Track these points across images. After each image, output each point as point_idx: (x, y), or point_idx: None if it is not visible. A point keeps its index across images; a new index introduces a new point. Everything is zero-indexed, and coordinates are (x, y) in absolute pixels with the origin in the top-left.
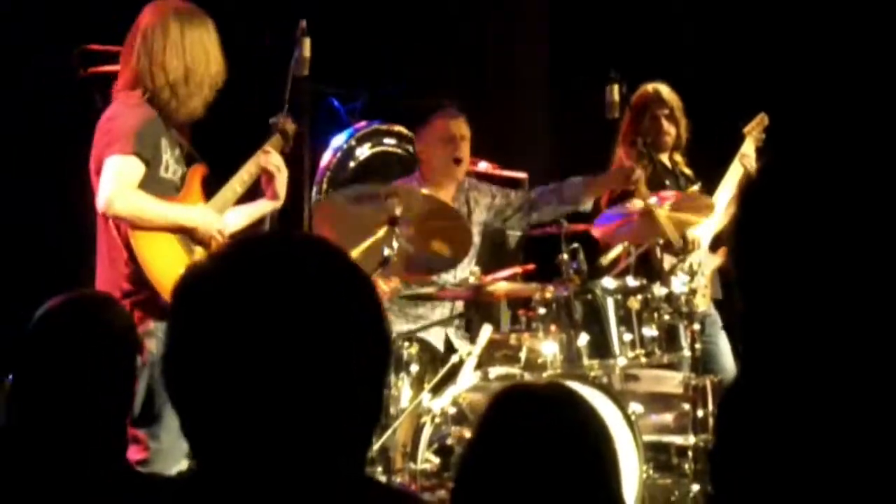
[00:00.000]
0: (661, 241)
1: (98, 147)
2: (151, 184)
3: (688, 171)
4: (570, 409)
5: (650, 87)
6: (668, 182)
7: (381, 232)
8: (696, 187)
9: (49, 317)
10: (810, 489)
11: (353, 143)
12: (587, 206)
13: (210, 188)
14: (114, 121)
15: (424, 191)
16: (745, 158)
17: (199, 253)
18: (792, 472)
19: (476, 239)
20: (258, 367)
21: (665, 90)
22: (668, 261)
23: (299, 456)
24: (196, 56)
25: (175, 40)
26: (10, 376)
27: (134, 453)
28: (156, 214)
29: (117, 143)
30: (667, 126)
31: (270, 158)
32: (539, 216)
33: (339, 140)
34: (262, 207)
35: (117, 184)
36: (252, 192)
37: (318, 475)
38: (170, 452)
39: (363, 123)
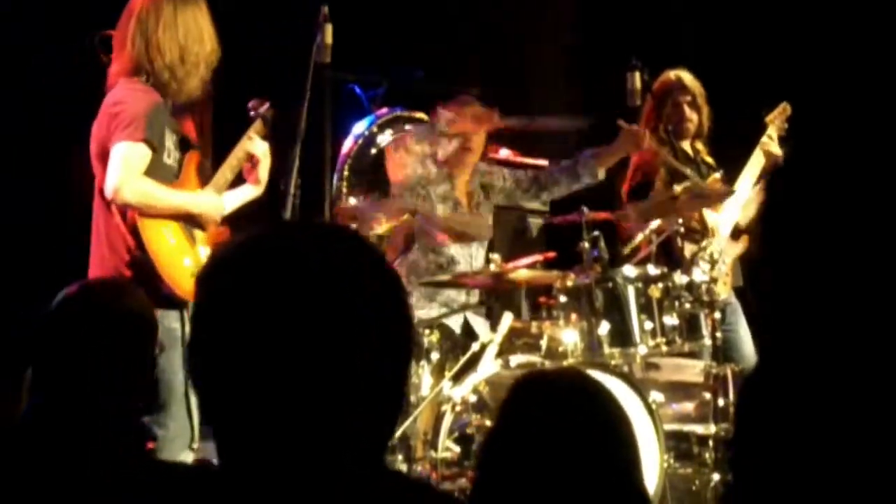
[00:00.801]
0: (682, 230)
1: (103, 131)
2: (155, 170)
3: (709, 159)
4: (588, 396)
5: (672, 73)
6: (689, 170)
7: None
8: (717, 175)
9: (66, 304)
10: (829, 478)
11: (374, 130)
12: (601, 177)
13: (203, 175)
14: (121, 105)
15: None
16: (768, 147)
17: (201, 239)
18: (811, 461)
19: (489, 221)
20: (278, 355)
21: (687, 77)
22: (689, 249)
23: (318, 444)
24: (191, 35)
25: (169, 21)
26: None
27: None
28: (163, 201)
29: (126, 129)
30: (689, 113)
31: (256, 144)
32: (550, 195)
33: (360, 127)
34: (247, 193)
35: (125, 171)
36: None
37: (335, 464)
38: (176, 440)
39: (384, 110)
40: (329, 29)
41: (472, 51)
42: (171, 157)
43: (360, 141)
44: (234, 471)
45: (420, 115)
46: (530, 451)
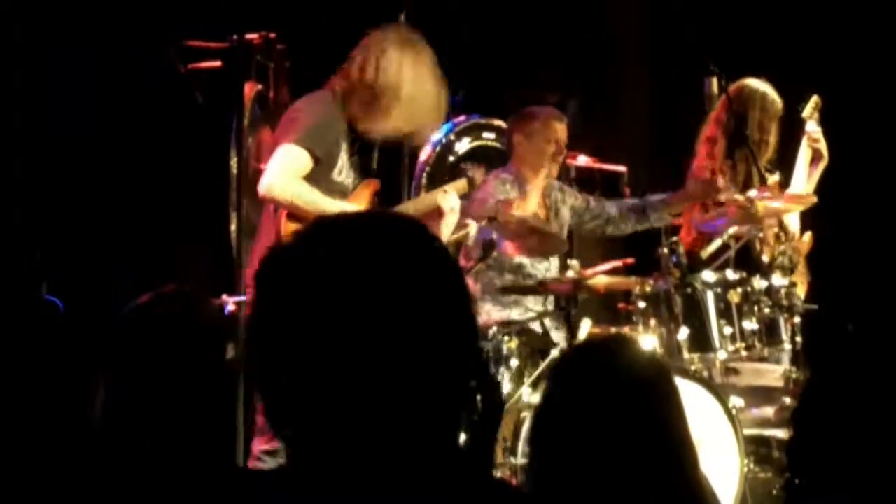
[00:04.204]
0: (760, 234)
1: (277, 135)
2: (321, 182)
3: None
4: (616, 358)
5: (759, 86)
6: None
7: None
8: (775, 177)
9: (138, 313)
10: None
11: (452, 137)
12: (666, 222)
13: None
14: (297, 112)
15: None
16: (816, 144)
17: None
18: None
19: (563, 235)
20: (337, 348)
21: (775, 96)
22: (767, 253)
23: (387, 440)
24: (405, 82)
25: (390, 59)
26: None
27: (261, 443)
28: (311, 204)
29: (292, 134)
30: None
31: (448, 198)
32: (615, 230)
33: (438, 134)
34: None
35: (280, 170)
36: None
37: (403, 456)
38: None
39: (462, 117)
40: None
41: (551, 57)
42: (342, 174)
43: (437, 148)
44: (302, 470)
45: (498, 122)
46: (571, 423)
